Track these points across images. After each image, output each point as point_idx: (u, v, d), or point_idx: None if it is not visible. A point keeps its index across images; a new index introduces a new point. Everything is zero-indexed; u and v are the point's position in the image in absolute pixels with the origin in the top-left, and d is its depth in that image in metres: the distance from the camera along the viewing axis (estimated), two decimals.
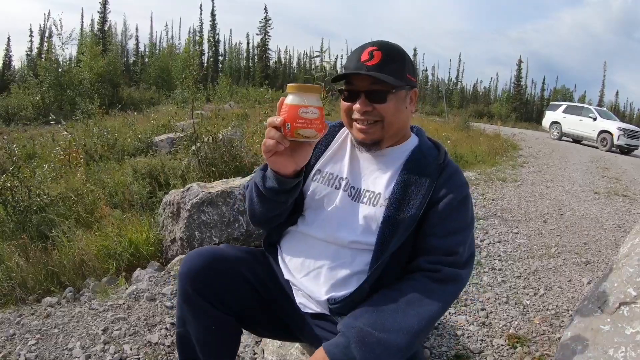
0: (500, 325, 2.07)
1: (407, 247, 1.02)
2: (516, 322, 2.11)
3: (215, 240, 2.71)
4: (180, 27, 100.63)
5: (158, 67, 27.92)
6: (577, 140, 14.33)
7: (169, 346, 1.81)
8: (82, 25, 37.24)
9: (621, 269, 1.52)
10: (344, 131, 1.16)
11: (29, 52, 36.81)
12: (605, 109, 17.53)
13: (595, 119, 13.43)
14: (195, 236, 2.72)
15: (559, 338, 1.82)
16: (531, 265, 2.89)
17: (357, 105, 1.02)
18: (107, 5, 34.22)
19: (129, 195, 3.66)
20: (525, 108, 40.51)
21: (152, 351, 1.77)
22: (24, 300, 2.40)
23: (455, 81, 46.03)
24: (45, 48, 29.95)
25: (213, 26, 39.07)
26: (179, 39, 46.02)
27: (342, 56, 33.19)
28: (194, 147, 4.57)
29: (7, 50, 37.61)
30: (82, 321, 2.04)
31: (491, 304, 2.30)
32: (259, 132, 5.92)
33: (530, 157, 9.09)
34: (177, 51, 31.22)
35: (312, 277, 1.07)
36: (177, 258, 2.72)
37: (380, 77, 0.97)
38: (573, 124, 14.07)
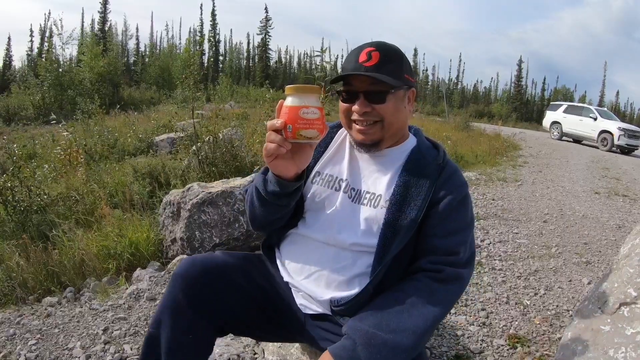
0: (501, 326, 2.07)
1: (409, 249, 1.02)
2: (516, 322, 2.11)
3: (216, 240, 2.71)
4: (180, 27, 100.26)
5: (158, 67, 27.88)
6: (577, 140, 14.33)
7: None
8: (82, 25, 37.32)
9: (621, 269, 1.52)
10: (342, 132, 1.16)
11: (29, 52, 36.91)
12: (605, 109, 17.48)
13: (595, 119, 13.43)
14: (195, 236, 2.73)
15: (559, 338, 1.82)
16: (531, 266, 2.89)
17: (356, 106, 1.01)
18: (107, 5, 34.19)
19: (130, 195, 3.65)
20: (525, 108, 40.49)
21: None
22: (24, 300, 2.40)
23: (455, 81, 46.05)
24: (45, 48, 29.95)
25: (213, 26, 39.05)
26: (180, 39, 46.14)
27: (342, 56, 33.11)
28: (194, 147, 4.58)
29: (8, 50, 37.65)
30: (83, 321, 2.04)
31: (491, 304, 2.30)
32: (259, 132, 5.92)
33: (530, 157, 9.09)
34: (178, 51, 31.14)
35: (313, 279, 1.06)
36: (177, 258, 2.72)
37: (379, 78, 0.97)
38: (573, 124, 14.07)
